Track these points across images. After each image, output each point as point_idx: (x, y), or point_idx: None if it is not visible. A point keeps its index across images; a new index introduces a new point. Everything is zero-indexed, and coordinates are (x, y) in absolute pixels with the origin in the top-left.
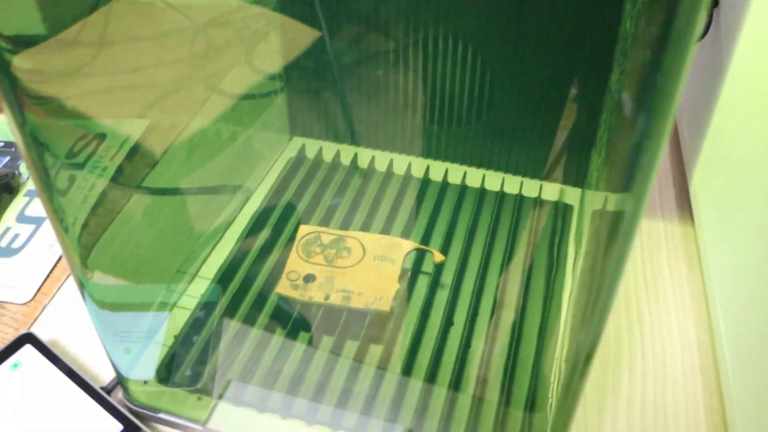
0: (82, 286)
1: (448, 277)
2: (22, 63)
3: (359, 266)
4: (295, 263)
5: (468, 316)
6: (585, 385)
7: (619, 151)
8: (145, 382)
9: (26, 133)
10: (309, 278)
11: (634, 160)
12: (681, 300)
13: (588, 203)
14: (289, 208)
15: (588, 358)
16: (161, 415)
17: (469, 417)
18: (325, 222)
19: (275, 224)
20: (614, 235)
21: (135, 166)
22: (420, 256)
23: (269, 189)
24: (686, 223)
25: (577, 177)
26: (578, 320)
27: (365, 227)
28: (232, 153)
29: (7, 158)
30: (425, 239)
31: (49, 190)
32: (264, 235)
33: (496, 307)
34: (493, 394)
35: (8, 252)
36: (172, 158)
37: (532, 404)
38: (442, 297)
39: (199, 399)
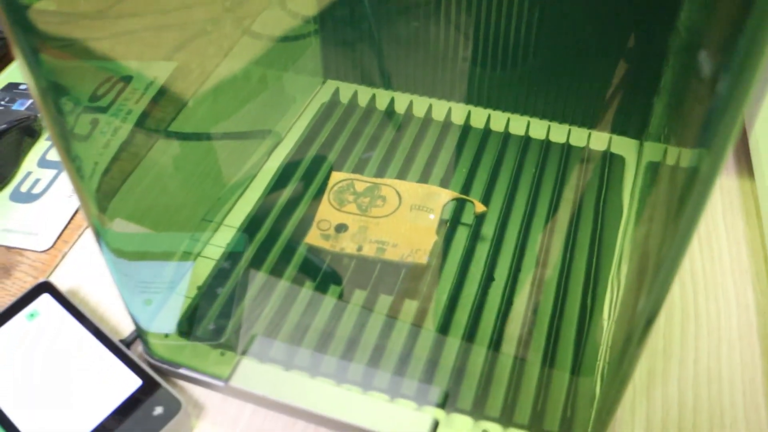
0: (98, 233)
1: (489, 230)
2: (46, 5)
3: (394, 216)
4: (327, 212)
5: (510, 272)
6: (642, 352)
7: (694, 103)
8: (166, 336)
9: (39, 77)
10: (341, 228)
11: (714, 115)
12: (738, 259)
13: (647, 155)
14: (321, 155)
15: (648, 323)
16: (182, 371)
17: (510, 379)
18: (358, 169)
19: (306, 171)
20: (686, 195)
21: (161, 110)
22: (459, 206)
23: (300, 135)
24: (744, 177)
25: (629, 126)
26: (635, 283)
27: (401, 176)
28: (262, 97)
29: (30, 101)
30: (465, 189)
31: (63, 135)
32: (294, 182)
33: (540, 262)
34: (535, 355)
35: (28, 197)
36: (200, 102)
37: (578, 368)
38: (482, 250)
39: (222, 354)
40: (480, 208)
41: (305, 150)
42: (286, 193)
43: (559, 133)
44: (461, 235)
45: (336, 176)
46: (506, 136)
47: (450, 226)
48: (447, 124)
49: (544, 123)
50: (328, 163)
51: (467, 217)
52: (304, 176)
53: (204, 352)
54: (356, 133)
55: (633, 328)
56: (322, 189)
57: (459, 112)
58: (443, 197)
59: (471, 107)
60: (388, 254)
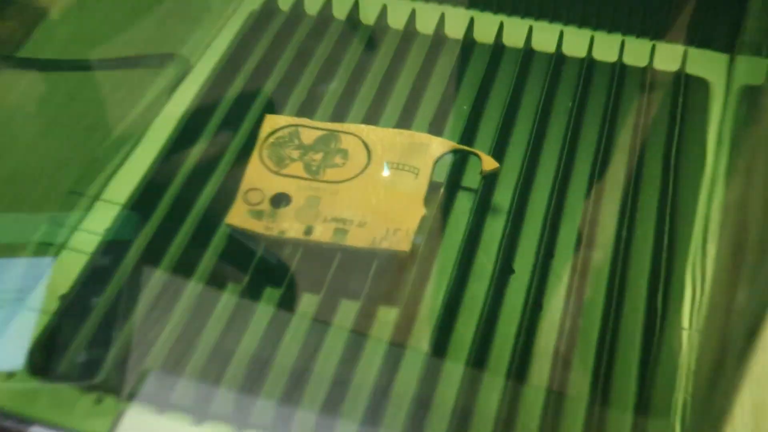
0: None
1: (504, 197)
2: None
3: (361, 180)
4: (258, 176)
5: (537, 260)
6: (746, 378)
7: None
8: (10, 376)
9: None
10: (280, 200)
11: None
12: None
13: (742, 76)
14: (250, 91)
15: (754, 333)
16: (35, 429)
17: (541, 425)
18: (306, 111)
19: (226, 116)
20: None
21: (3, 26)
22: (459, 162)
23: (218, 61)
24: None
25: (714, 34)
26: (732, 271)
27: (372, 118)
28: (160, 6)
29: None
30: (467, 136)
31: None
32: (208, 134)
33: (582, 244)
34: (580, 386)
35: None
36: (66, 15)
37: (645, 403)
38: (494, 228)
39: (98, 402)
40: (489, 164)
41: (225, 84)
42: (197, 151)
43: (606, 47)
44: (462, 206)
45: (272, 121)
46: (527, 53)
47: (446, 192)
48: (439, 38)
49: (585, 33)
50: (259, 103)
51: (471, 179)
52: (224, 124)
53: (70, 399)
54: (303, 55)
55: (732, 340)
56: (251, 142)
57: (457, 20)
58: (434, 149)
59: (474, 13)
60: (353, 238)
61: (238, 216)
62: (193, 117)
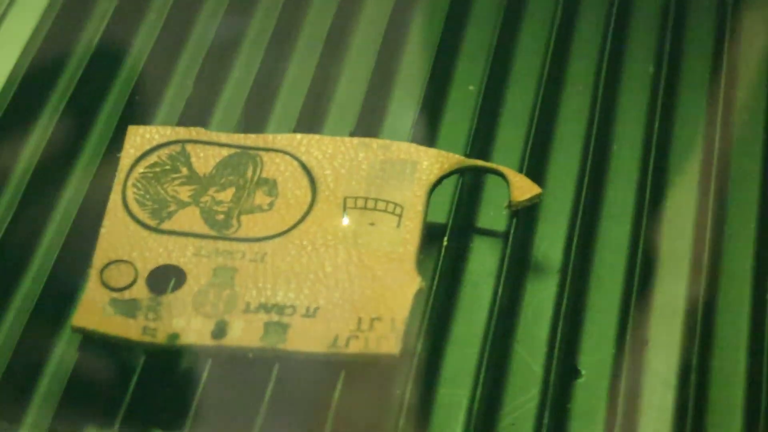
0: None
1: (552, 244)
2: None
3: (304, 232)
4: (122, 237)
5: (621, 350)
6: None
7: None
8: None
9: None
10: (166, 278)
11: None
12: None
13: None
14: (96, 79)
15: None
16: None
17: None
18: (200, 114)
19: (55, 129)
20: None
21: None
22: (471, 188)
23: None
24: None
25: None
26: None
27: (311, 121)
28: None
29: None
30: (480, 142)
31: None
32: (25, 161)
33: (696, 312)
34: None
35: None
36: None
37: None
38: (540, 300)
39: None
40: (524, 189)
41: (46, 62)
42: (8, 197)
43: None
44: (483, 266)
45: (139, 137)
46: None
47: (453, 243)
48: None
49: None
50: (114, 102)
51: (494, 216)
52: (51, 143)
53: None
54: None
55: None
56: (105, 174)
57: None
58: (427, 169)
59: None
60: (298, 338)
61: (92, 313)
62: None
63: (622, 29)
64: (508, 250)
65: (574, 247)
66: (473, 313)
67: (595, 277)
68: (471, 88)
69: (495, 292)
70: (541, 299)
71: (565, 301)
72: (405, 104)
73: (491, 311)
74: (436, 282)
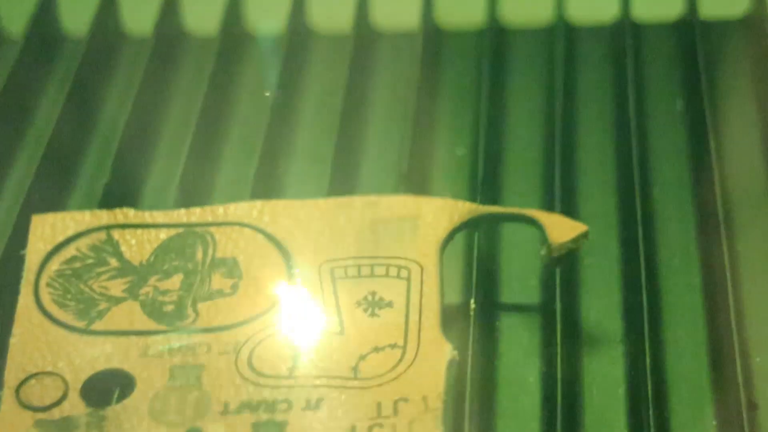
0: None
1: (608, 307)
2: None
3: (284, 312)
4: (41, 345)
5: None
6: None
7: None
8: None
9: None
10: (107, 387)
11: None
12: None
13: None
14: None
15: None
16: None
17: None
18: (124, 195)
19: None
20: None
21: None
22: (493, 244)
23: None
24: None
25: None
26: None
27: (273, 187)
28: None
29: None
30: (492, 185)
31: None
32: None
33: None
34: None
35: None
36: None
37: None
38: (606, 380)
39: None
40: (566, 228)
41: None
42: None
43: None
44: (520, 341)
45: (50, 227)
46: (560, 30)
47: (480, 316)
48: (364, 33)
49: None
50: (15, 186)
51: (525, 277)
52: None
53: None
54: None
55: None
56: (11, 273)
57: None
58: (433, 223)
59: None
60: None
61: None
62: None
63: None
64: (559, 319)
65: (644, 313)
66: (519, 400)
67: (672, 340)
68: (459, 150)
69: (541, 374)
70: (605, 376)
71: (640, 373)
72: (375, 180)
73: (546, 388)
74: (470, 354)
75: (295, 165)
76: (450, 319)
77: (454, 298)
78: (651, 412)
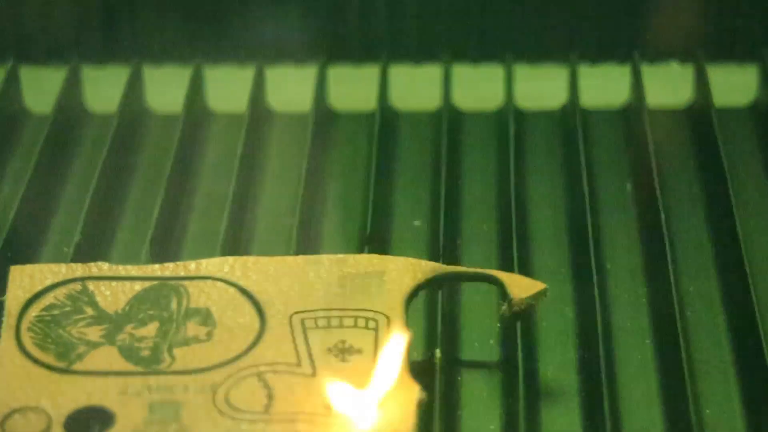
0: None
1: (563, 361)
2: None
3: (258, 356)
4: (23, 381)
5: None
6: None
7: None
8: None
9: None
10: (87, 421)
11: None
12: None
13: None
14: None
15: None
16: None
17: None
18: (97, 250)
19: None
20: None
21: None
22: (452, 305)
23: None
24: None
25: None
26: None
27: (234, 239)
28: None
29: None
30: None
31: None
32: None
33: None
34: None
35: None
36: None
37: None
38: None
39: None
40: (526, 286)
41: None
42: None
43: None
44: (482, 396)
45: (28, 278)
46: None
47: (445, 371)
48: (321, 113)
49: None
50: None
51: (486, 334)
52: None
53: None
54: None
55: None
56: None
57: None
58: (398, 279)
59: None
60: None
61: None
62: None
63: None
64: (520, 374)
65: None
66: None
67: (627, 397)
68: (416, 222)
69: (507, 416)
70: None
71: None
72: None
73: None
74: (437, 402)
75: (263, 232)
76: (415, 372)
77: (418, 354)
78: None
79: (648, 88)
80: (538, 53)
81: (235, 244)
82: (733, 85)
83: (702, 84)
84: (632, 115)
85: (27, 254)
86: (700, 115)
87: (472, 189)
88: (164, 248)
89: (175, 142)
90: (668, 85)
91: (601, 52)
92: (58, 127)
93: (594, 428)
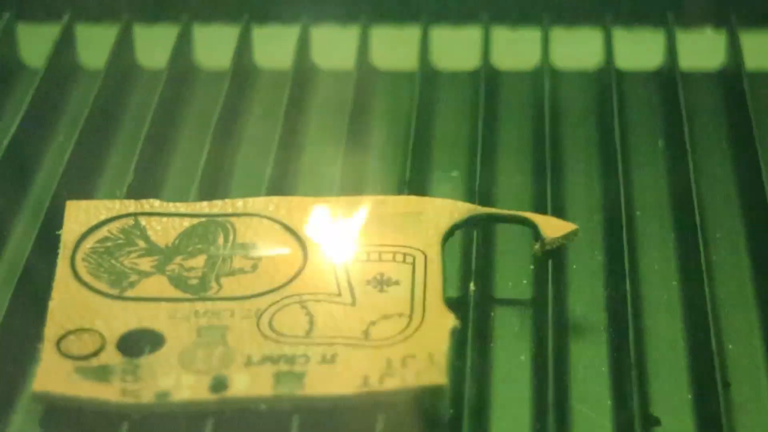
0: None
1: (591, 299)
2: None
3: (301, 285)
4: (79, 305)
5: (708, 394)
6: None
7: None
8: None
9: None
10: (139, 342)
11: None
12: None
13: None
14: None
15: None
16: None
17: None
18: (149, 186)
19: None
20: None
21: None
22: (488, 246)
23: None
24: None
25: None
26: None
27: (279, 183)
28: None
29: None
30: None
31: None
32: None
33: None
34: None
35: None
36: None
37: None
38: (593, 355)
39: None
40: (558, 227)
41: None
42: None
43: None
44: (515, 324)
45: (83, 212)
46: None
47: (479, 304)
48: (364, 72)
49: None
50: (48, 173)
51: (519, 274)
52: None
53: None
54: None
55: None
56: (48, 251)
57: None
58: (436, 218)
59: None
60: (319, 384)
61: (55, 378)
62: None
63: None
64: (551, 310)
65: (628, 298)
66: (514, 372)
67: (651, 314)
68: (454, 173)
69: (537, 347)
70: (592, 352)
71: (633, 332)
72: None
73: (537, 371)
74: (470, 334)
75: (307, 176)
76: (450, 305)
77: (454, 291)
78: (633, 387)
79: (681, 51)
80: (574, 16)
81: (280, 186)
82: (765, 50)
83: (734, 49)
84: (665, 77)
85: (82, 194)
86: (732, 79)
87: (509, 143)
88: (213, 189)
89: (222, 96)
90: (701, 50)
91: (636, 16)
92: (111, 82)
93: (619, 361)
